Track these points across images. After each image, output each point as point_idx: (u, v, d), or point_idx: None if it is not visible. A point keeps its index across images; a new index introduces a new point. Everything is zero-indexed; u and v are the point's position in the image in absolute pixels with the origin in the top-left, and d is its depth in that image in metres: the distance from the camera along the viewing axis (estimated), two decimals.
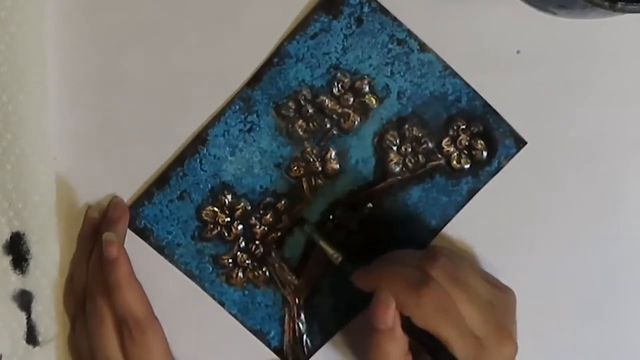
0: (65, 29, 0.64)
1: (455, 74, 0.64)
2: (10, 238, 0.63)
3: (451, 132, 0.64)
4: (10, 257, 0.63)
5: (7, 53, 0.62)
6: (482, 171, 0.65)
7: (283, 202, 0.65)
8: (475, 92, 0.64)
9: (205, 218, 0.65)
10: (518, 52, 0.64)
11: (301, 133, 0.64)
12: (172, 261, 0.65)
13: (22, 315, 0.64)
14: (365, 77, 0.64)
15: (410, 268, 0.58)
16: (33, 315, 0.64)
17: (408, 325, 0.56)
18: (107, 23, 0.64)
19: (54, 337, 0.65)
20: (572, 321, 0.66)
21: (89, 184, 0.66)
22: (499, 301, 0.58)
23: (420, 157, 0.65)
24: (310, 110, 0.64)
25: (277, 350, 0.66)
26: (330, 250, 0.62)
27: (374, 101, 0.64)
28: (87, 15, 0.64)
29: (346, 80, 0.64)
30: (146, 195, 0.65)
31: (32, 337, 0.64)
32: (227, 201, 0.65)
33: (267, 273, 0.66)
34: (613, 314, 0.67)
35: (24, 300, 0.64)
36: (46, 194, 0.64)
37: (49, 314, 0.65)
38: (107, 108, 0.65)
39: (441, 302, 0.55)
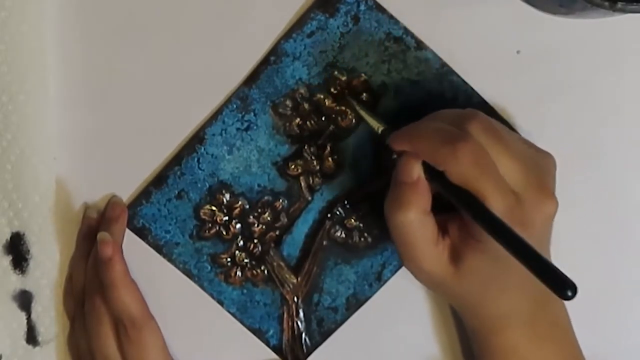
0: (65, 29, 0.64)
1: (452, 72, 0.64)
2: (10, 238, 0.64)
3: None
4: (10, 257, 0.64)
5: (7, 53, 0.62)
6: None
7: (281, 200, 0.65)
8: (472, 89, 0.64)
9: (203, 217, 0.65)
10: (518, 52, 0.64)
11: (298, 131, 0.64)
12: (170, 260, 0.65)
13: (22, 315, 0.64)
14: (362, 75, 0.64)
15: (446, 125, 0.56)
16: (33, 315, 0.64)
17: (443, 183, 0.54)
18: (107, 23, 0.64)
19: (54, 337, 0.65)
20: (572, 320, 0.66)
21: (89, 184, 0.66)
22: (539, 161, 0.57)
23: None
24: (308, 109, 0.64)
25: (276, 349, 0.66)
26: (373, 121, 0.61)
27: (370, 99, 0.64)
28: (87, 15, 0.64)
29: (343, 79, 0.64)
30: (144, 194, 0.65)
31: (32, 337, 0.64)
32: (225, 200, 0.65)
33: (266, 272, 0.65)
34: (613, 315, 0.67)
35: (24, 300, 0.64)
36: (46, 194, 0.64)
37: (49, 314, 0.65)
38: (107, 108, 0.65)
39: (478, 155, 0.53)
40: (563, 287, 0.46)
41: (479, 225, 0.53)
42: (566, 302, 0.62)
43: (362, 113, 0.62)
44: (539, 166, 0.57)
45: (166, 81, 0.65)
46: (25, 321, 0.64)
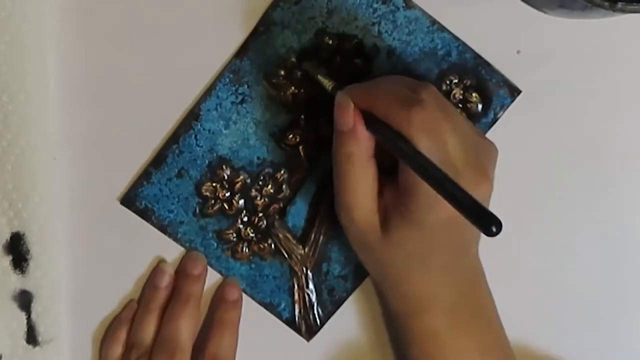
0: (65, 29, 0.64)
1: (443, 29, 0.63)
2: (10, 238, 0.63)
3: (444, 87, 0.64)
4: (10, 257, 0.63)
5: (7, 53, 0.61)
6: (479, 123, 0.64)
7: (282, 171, 0.64)
8: (465, 44, 0.64)
9: (206, 194, 0.64)
10: (518, 52, 0.64)
11: (293, 100, 0.64)
12: (176, 240, 0.65)
13: (22, 315, 0.63)
14: (353, 38, 0.63)
15: (401, 87, 0.57)
16: (33, 315, 0.64)
17: (381, 129, 0.56)
18: (107, 23, 0.64)
19: (54, 337, 0.64)
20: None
21: (89, 184, 0.65)
22: (482, 147, 0.58)
23: None
24: (301, 77, 0.64)
25: (289, 322, 0.66)
26: (324, 80, 0.61)
27: (364, 63, 0.64)
28: (87, 15, 0.64)
29: (334, 44, 0.63)
30: (144, 175, 0.64)
31: (32, 337, 0.64)
32: (225, 175, 0.64)
33: (272, 245, 0.65)
34: (614, 315, 0.68)
35: (24, 300, 0.63)
36: (46, 194, 0.63)
37: (49, 314, 0.64)
38: (107, 108, 0.64)
39: (429, 123, 0.54)
40: (488, 223, 0.45)
41: (410, 168, 0.53)
42: (567, 302, 0.65)
43: (316, 76, 0.62)
44: (480, 149, 0.57)
45: (166, 80, 0.64)
46: (25, 321, 0.64)
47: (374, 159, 0.58)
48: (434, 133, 0.54)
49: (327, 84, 0.61)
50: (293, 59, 0.64)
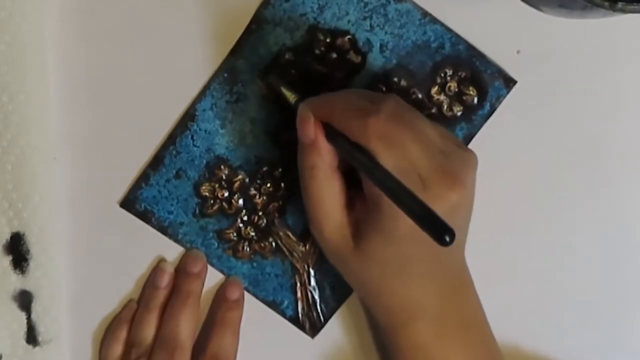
0: (65, 29, 0.64)
1: (435, 20, 0.63)
2: (10, 238, 0.63)
3: (439, 80, 0.64)
4: (10, 257, 0.63)
5: (7, 53, 0.61)
6: (475, 116, 0.64)
7: (280, 169, 0.64)
8: (458, 36, 0.63)
9: (205, 194, 0.64)
10: (518, 52, 0.64)
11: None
12: (176, 241, 0.65)
13: (22, 315, 0.64)
14: (346, 33, 0.63)
15: (361, 99, 0.57)
16: (33, 315, 0.64)
17: (341, 142, 0.56)
18: (107, 23, 0.64)
19: (54, 337, 0.64)
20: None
21: (89, 184, 0.65)
22: (455, 155, 0.57)
23: None
24: (295, 74, 0.63)
25: (292, 319, 0.66)
26: (287, 93, 0.61)
27: (357, 57, 0.64)
28: (87, 15, 0.64)
29: (327, 40, 0.63)
30: (143, 177, 0.64)
31: (32, 337, 0.64)
32: (224, 175, 0.64)
33: (273, 243, 0.65)
34: (614, 315, 0.67)
35: (24, 300, 0.63)
36: (46, 194, 0.63)
37: (49, 314, 0.64)
38: (107, 108, 0.64)
39: (387, 133, 0.54)
40: (440, 232, 0.46)
41: (370, 180, 0.53)
42: (567, 302, 0.65)
43: (280, 88, 0.62)
44: (453, 157, 0.56)
45: (166, 80, 0.64)
46: (25, 321, 0.64)
47: (339, 171, 0.58)
48: (394, 142, 0.54)
49: (291, 97, 0.61)
50: (287, 56, 0.63)
